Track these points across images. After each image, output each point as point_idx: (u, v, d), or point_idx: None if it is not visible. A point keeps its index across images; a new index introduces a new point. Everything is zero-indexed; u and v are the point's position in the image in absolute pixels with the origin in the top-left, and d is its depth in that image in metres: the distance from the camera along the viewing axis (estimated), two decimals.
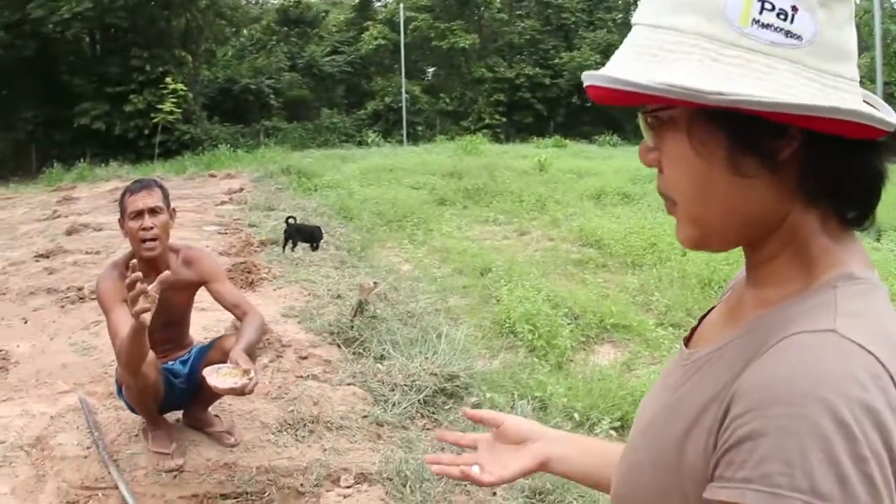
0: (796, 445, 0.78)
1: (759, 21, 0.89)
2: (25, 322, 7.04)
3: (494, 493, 3.91)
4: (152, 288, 3.41)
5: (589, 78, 0.96)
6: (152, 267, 4.01)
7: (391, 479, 3.99)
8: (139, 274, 3.37)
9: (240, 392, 3.63)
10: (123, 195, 4.19)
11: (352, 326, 6.42)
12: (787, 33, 0.89)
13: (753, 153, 0.92)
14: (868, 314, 0.90)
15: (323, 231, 10.55)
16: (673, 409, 1.03)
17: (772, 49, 0.89)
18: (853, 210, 0.98)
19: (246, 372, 3.63)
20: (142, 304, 3.40)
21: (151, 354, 3.87)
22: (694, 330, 1.23)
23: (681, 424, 0.98)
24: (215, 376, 3.65)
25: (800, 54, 0.90)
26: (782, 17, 0.89)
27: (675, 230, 1.05)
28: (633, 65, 0.93)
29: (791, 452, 0.78)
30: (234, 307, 4.26)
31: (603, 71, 0.94)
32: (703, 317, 1.24)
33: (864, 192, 0.96)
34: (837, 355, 0.83)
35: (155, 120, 29.81)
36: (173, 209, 4.33)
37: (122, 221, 4.20)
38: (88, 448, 4.39)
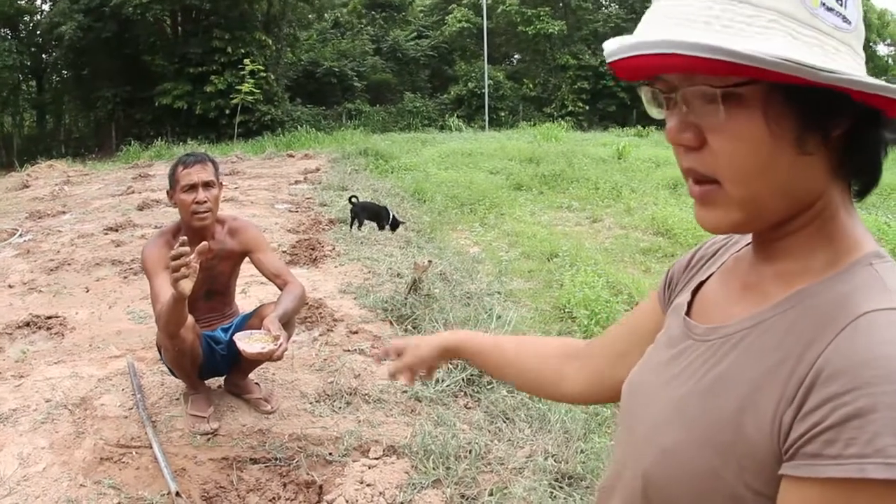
0: None
1: (825, 4, 0.92)
2: (87, 291, 7.27)
3: (521, 473, 3.88)
4: (192, 258, 3.47)
5: (660, 45, 0.90)
6: (199, 236, 4.11)
7: (417, 453, 3.99)
8: (186, 248, 3.43)
9: (267, 357, 3.70)
10: (176, 167, 4.27)
11: (405, 304, 6.44)
12: (844, 18, 0.93)
13: (818, 130, 0.93)
14: None
15: (390, 211, 10.58)
16: (713, 387, 1.02)
17: (834, 32, 0.92)
18: (862, 183, 1.03)
19: (276, 338, 3.68)
20: (182, 272, 3.46)
21: (190, 318, 3.95)
22: (690, 304, 1.23)
23: (731, 402, 0.98)
24: (245, 341, 3.72)
25: (850, 38, 0.94)
26: (840, 2, 0.93)
27: (702, 216, 1.03)
28: (703, 34, 0.89)
29: None
30: (275, 277, 4.32)
31: (677, 37, 0.89)
32: (696, 290, 1.24)
33: (875, 166, 1.00)
34: None
35: (234, 101, 30.28)
36: (221, 182, 4.40)
37: (172, 192, 4.30)
38: (130, 409, 4.51)
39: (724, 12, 0.90)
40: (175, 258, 3.43)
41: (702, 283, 1.23)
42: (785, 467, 0.89)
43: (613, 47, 0.97)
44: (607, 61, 1.00)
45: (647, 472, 1.10)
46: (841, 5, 0.92)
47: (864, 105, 0.90)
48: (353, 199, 10.60)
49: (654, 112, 1.04)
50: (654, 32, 0.94)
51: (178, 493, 3.60)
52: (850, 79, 0.86)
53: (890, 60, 50.98)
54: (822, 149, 0.94)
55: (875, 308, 0.89)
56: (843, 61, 0.90)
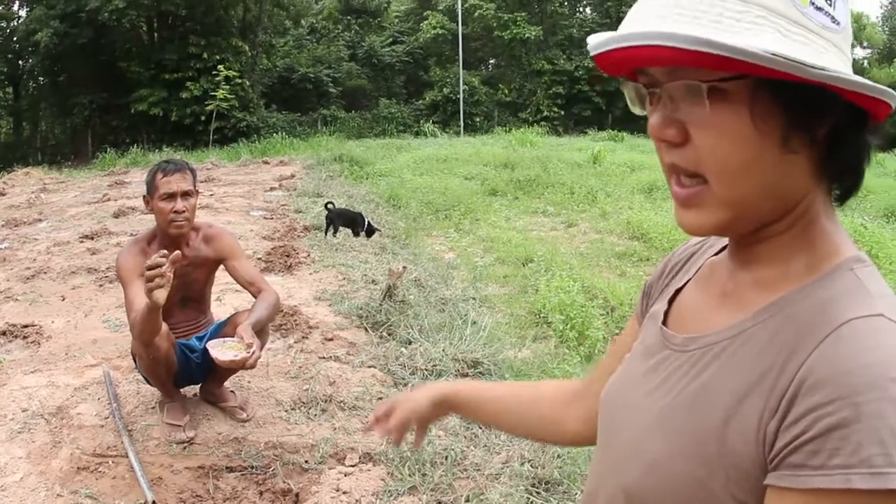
0: (887, 427, 0.80)
1: (814, 3, 0.92)
2: (63, 299, 7.23)
3: (498, 479, 3.91)
4: (166, 268, 3.47)
5: (651, 37, 0.89)
6: (175, 244, 4.12)
7: (393, 460, 4.01)
8: (163, 260, 3.43)
9: (240, 365, 3.72)
10: (155, 174, 4.24)
11: (380, 310, 6.46)
12: (833, 18, 0.93)
13: (804, 129, 0.92)
14: (889, 294, 0.94)
15: (365, 217, 10.59)
16: (696, 399, 1.02)
17: (822, 31, 0.92)
18: (844, 187, 1.01)
19: (248, 346, 3.69)
20: (157, 282, 3.46)
21: (164, 326, 3.95)
22: (666, 313, 1.21)
23: (716, 413, 0.97)
24: (218, 349, 3.74)
25: (838, 39, 0.94)
26: (829, 2, 0.93)
27: (684, 217, 1.02)
28: (692, 27, 0.89)
29: (884, 433, 0.80)
30: (250, 284, 4.32)
31: (667, 29, 0.89)
32: (672, 298, 1.23)
33: (858, 170, 0.99)
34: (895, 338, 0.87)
35: (209, 107, 30.21)
36: (198, 189, 4.41)
37: (149, 198, 4.27)
38: (106, 418, 4.51)
39: (713, 7, 0.90)
40: (150, 268, 3.43)
41: (678, 291, 1.22)
42: (769, 477, 0.89)
43: (600, 39, 0.95)
44: (592, 53, 0.98)
45: (629, 486, 1.08)
46: (830, 5, 0.92)
47: (850, 105, 0.91)
48: (330, 206, 10.60)
49: (637, 109, 1.04)
50: (643, 25, 0.92)
51: (154, 503, 3.61)
52: (838, 76, 0.86)
53: (867, 63, 51.38)
54: (808, 149, 0.93)
55: (857, 315, 0.89)
56: (830, 60, 0.90)
